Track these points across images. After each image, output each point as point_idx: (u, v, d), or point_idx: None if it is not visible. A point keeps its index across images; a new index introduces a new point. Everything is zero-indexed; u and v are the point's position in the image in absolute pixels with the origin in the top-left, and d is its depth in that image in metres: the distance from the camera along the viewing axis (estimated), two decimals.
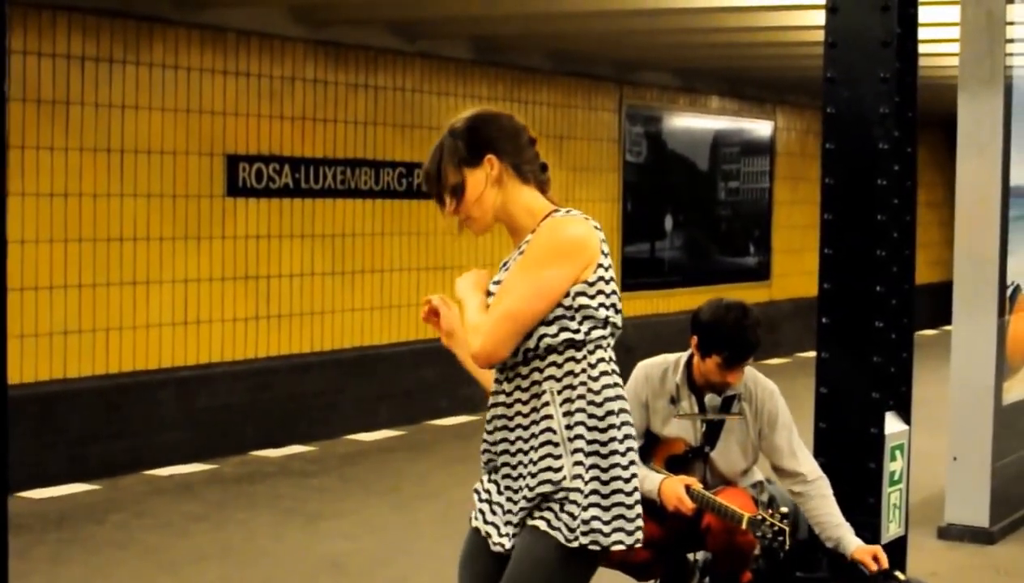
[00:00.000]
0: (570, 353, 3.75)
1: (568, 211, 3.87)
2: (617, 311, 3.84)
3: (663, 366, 5.68)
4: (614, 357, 3.82)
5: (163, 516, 8.66)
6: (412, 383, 12.25)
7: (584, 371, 3.75)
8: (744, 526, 5.26)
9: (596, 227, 3.84)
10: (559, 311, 3.75)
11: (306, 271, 11.44)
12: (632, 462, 3.77)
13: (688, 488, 5.42)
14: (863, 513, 5.59)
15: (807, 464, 5.51)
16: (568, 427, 3.73)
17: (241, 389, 10.90)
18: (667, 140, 15.60)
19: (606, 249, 3.83)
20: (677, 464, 5.60)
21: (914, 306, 5.90)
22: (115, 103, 9.91)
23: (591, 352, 3.76)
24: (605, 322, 3.79)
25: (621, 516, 3.75)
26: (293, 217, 11.32)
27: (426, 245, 12.47)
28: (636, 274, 14.97)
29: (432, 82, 12.57)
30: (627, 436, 3.79)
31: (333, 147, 11.67)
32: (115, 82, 9.89)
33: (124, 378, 10.03)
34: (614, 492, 3.74)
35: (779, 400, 5.62)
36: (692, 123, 15.84)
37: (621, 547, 3.72)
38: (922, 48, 11.97)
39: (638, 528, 3.76)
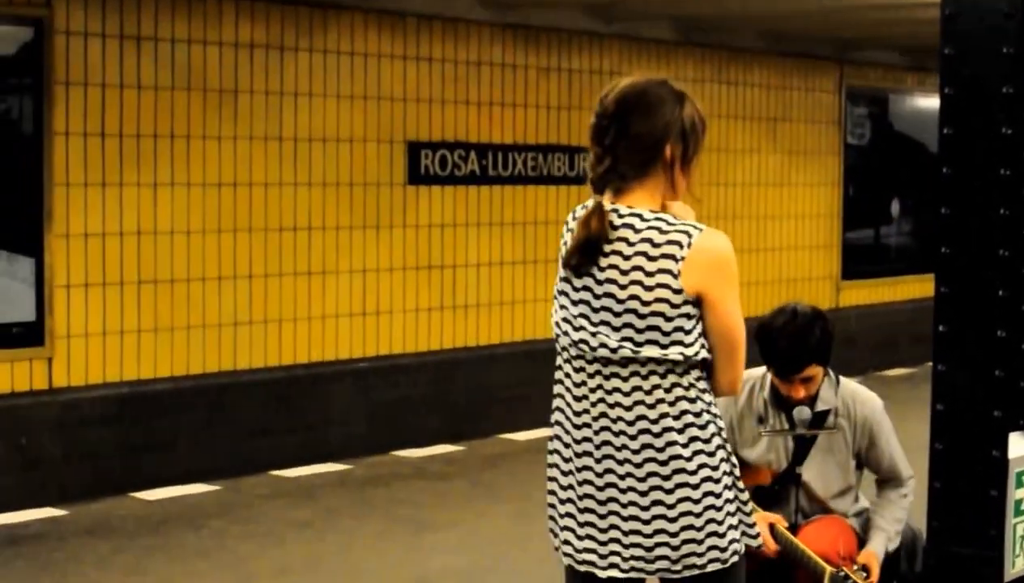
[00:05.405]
0: None
1: None
2: (560, 321, 3.62)
3: (749, 382, 5.14)
4: (570, 373, 3.62)
5: (266, 523, 8.36)
6: None
7: None
8: (826, 582, 4.77)
9: (568, 219, 3.65)
10: None
11: (494, 260, 11.14)
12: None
13: (772, 527, 4.91)
14: (983, 546, 4.93)
15: (905, 469, 5.20)
16: None
17: (422, 382, 10.66)
18: (893, 121, 14.84)
19: (566, 242, 3.62)
20: (764, 496, 5.08)
21: None
22: (287, 91, 9.77)
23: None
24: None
25: None
26: (480, 205, 11.03)
27: None
28: (858, 261, 14.29)
29: (632, 64, 12.11)
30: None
31: (524, 132, 11.34)
32: (287, 69, 9.75)
33: (297, 370, 9.90)
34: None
35: (880, 414, 5.12)
36: (921, 103, 14.97)
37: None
38: None
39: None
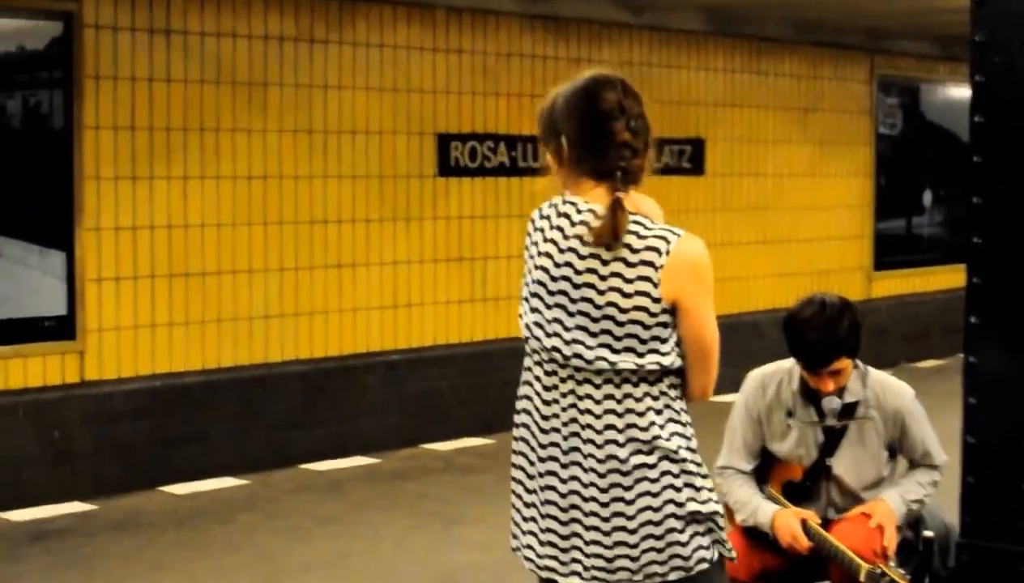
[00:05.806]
0: None
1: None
2: (532, 324, 3.56)
3: (779, 374, 5.10)
4: (540, 377, 3.58)
5: (295, 517, 8.29)
6: None
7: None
8: (862, 579, 4.72)
9: (534, 217, 3.56)
10: None
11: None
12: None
13: (804, 523, 4.87)
14: (1018, 541, 4.88)
15: (939, 455, 5.16)
16: None
17: (453, 374, 10.64)
18: (925, 111, 14.74)
19: (536, 242, 3.53)
20: (795, 492, 5.04)
21: None
22: (316, 83, 9.75)
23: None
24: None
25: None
26: (511, 196, 11.00)
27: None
28: (890, 252, 14.21)
29: (662, 55, 12.07)
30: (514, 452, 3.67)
31: None
32: (316, 62, 9.74)
33: (328, 363, 9.89)
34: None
35: (911, 403, 5.09)
36: (953, 92, 14.86)
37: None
38: None
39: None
